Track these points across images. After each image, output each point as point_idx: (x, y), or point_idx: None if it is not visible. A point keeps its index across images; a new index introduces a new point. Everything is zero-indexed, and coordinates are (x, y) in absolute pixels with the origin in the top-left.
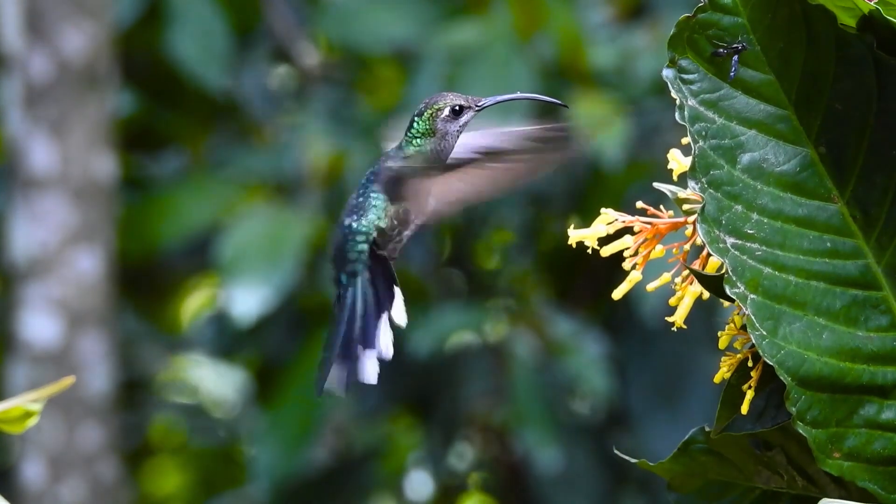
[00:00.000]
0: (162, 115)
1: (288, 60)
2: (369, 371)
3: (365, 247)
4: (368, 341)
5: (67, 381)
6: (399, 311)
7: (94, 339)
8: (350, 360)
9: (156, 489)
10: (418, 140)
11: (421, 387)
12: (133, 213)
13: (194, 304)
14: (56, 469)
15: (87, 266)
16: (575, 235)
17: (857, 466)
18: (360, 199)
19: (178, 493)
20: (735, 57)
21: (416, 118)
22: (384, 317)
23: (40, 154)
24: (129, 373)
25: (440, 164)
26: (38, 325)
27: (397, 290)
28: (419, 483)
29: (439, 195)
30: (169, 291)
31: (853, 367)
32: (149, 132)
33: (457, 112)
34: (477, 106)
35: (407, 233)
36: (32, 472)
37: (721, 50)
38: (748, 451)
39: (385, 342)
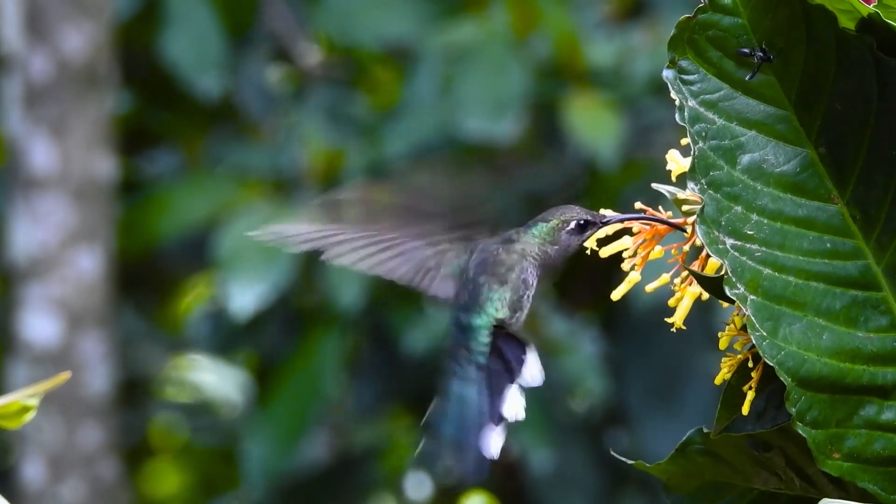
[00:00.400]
0: (156, 114)
1: (286, 59)
2: (493, 447)
3: (487, 339)
4: (494, 417)
5: (64, 376)
6: (532, 372)
7: (93, 339)
8: (468, 447)
9: (155, 489)
10: (538, 239)
11: (417, 386)
12: (130, 210)
13: (191, 301)
14: (56, 469)
15: (87, 266)
16: None
17: (857, 467)
18: (473, 291)
19: (177, 492)
20: (758, 65)
21: (539, 222)
22: (512, 387)
23: (40, 154)
24: (128, 372)
25: (551, 266)
26: (38, 324)
27: (529, 353)
28: (418, 482)
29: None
30: (167, 290)
31: (853, 368)
32: (142, 132)
33: (582, 227)
34: (602, 222)
35: (527, 311)
36: (32, 472)
37: (747, 51)
38: (746, 452)
39: (513, 408)
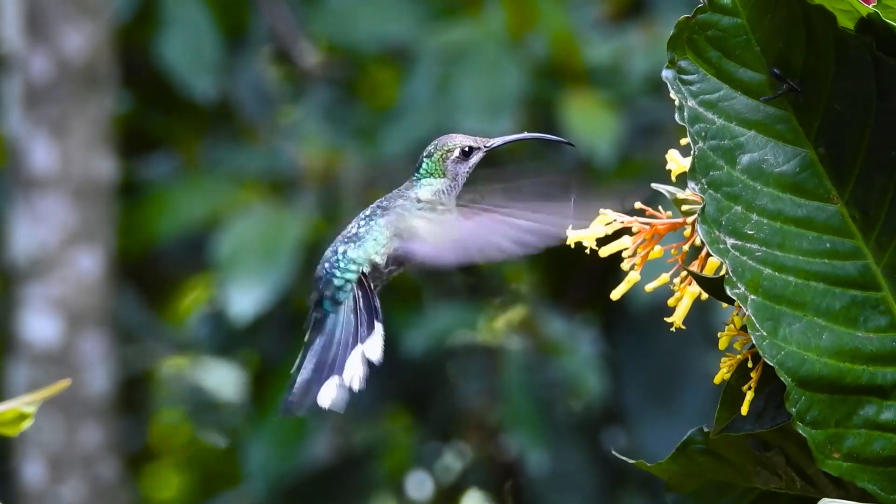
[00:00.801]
0: (153, 116)
1: (284, 60)
2: (328, 396)
3: (354, 276)
4: (337, 368)
5: (63, 383)
6: (375, 347)
7: (93, 339)
8: (316, 385)
9: (156, 489)
10: (428, 180)
11: (415, 386)
12: (129, 211)
13: (191, 302)
14: (56, 469)
15: (87, 266)
16: (573, 236)
17: (857, 467)
18: (361, 230)
19: (177, 492)
20: (783, 93)
21: (424, 159)
22: (358, 348)
23: (40, 154)
24: (129, 372)
25: (451, 206)
26: (38, 325)
27: (378, 325)
28: (418, 482)
29: (452, 242)
30: (166, 291)
31: (853, 368)
32: (140, 133)
33: (466, 153)
34: (486, 147)
35: (398, 272)
36: (32, 472)
37: (778, 73)
38: (747, 452)
39: (353, 373)
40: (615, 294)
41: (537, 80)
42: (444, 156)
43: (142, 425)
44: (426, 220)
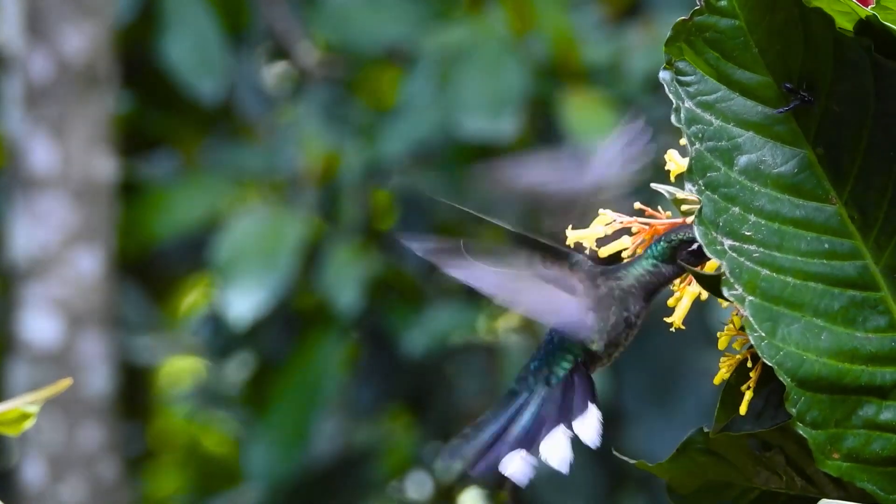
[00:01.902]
0: (153, 116)
1: (284, 60)
2: (510, 467)
3: (569, 366)
4: (529, 442)
5: (64, 383)
6: (588, 428)
7: (94, 339)
8: (490, 453)
9: (156, 489)
10: (649, 261)
11: (415, 386)
12: (129, 210)
13: (191, 303)
14: (56, 469)
15: (87, 266)
16: (573, 235)
17: (856, 467)
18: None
19: (178, 492)
20: (793, 106)
21: (661, 241)
22: (562, 427)
23: (40, 154)
24: (129, 372)
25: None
26: (38, 325)
27: (592, 408)
28: (418, 482)
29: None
30: (167, 291)
31: (852, 368)
32: (140, 133)
33: (699, 254)
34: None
35: (617, 354)
36: (32, 472)
37: (790, 87)
38: (747, 452)
39: (553, 451)
40: None
41: (537, 79)
42: (681, 245)
43: (142, 425)
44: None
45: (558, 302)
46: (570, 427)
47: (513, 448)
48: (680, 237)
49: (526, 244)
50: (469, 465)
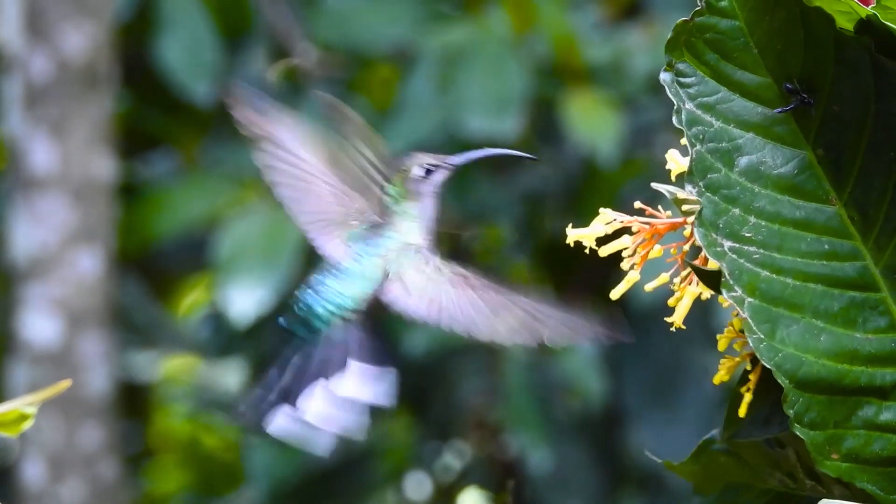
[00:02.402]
0: (153, 116)
1: (284, 59)
2: (278, 423)
3: (335, 310)
4: (295, 398)
5: (64, 384)
6: (347, 384)
7: (94, 339)
8: (272, 408)
9: (157, 489)
10: (399, 207)
11: (415, 385)
12: (128, 210)
13: (191, 303)
14: (56, 469)
15: (87, 266)
16: (573, 235)
17: (856, 468)
18: (352, 265)
19: (178, 492)
20: (793, 107)
21: (389, 185)
22: (324, 383)
23: (40, 154)
24: (130, 371)
25: (445, 268)
26: (38, 325)
27: (351, 363)
28: (418, 482)
29: (431, 302)
30: (167, 290)
31: (851, 369)
32: (139, 134)
33: (429, 171)
34: (447, 164)
35: (375, 307)
36: (32, 472)
37: (791, 87)
38: (763, 452)
39: (316, 408)
40: (615, 294)
41: (538, 79)
42: (404, 177)
43: (142, 424)
44: (419, 272)
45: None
46: (329, 383)
47: (284, 404)
48: (404, 168)
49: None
50: (248, 420)
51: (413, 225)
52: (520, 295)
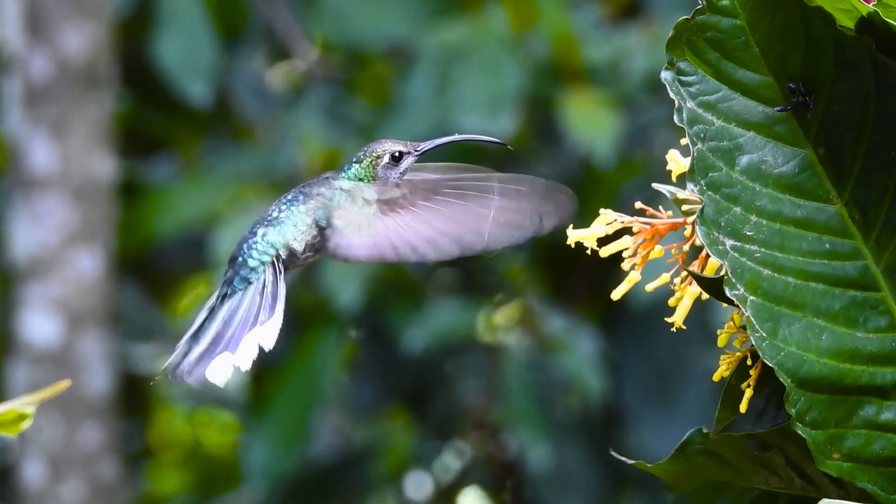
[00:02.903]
0: (153, 116)
1: (284, 58)
2: (217, 372)
3: (268, 259)
4: (231, 346)
5: (63, 384)
6: (269, 334)
7: (93, 339)
8: (208, 357)
9: (156, 489)
10: (356, 182)
11: (415, 384)
12: (128, 210)
13: (190, 302)
14: (56, 469)
15: (87, 266)
16: (574, 235)
17: (857, 467)
18: (281, 214)
19: (178, 492)
20: (793, 107)
21: (353, 164)
22: (255, 330)
23: (40, 154)
24: (130, 371)
25: (372, 200)
26: (38, 325)
27: (278, 312)
28: (418, 481)
29: (367, 236)
30: (166, 290)
31: (852, 368)
32: (139, 134)
33: (396, 158)
34: (416, 151)
35: (313, 259)
36: (32, 472)
37: (793, 87)
38: (746, 452)
39: (245, 354)
40: (616, 294)
41: (537, 78)
42: (374, 161)
43: (142, 423)
44: (345, 210)
45: None
46: (259, 330)
47: (220, 353)
48: (372, 154)
49: None
50: (186, 375)
51: (358, 184)
52: (461, 175)
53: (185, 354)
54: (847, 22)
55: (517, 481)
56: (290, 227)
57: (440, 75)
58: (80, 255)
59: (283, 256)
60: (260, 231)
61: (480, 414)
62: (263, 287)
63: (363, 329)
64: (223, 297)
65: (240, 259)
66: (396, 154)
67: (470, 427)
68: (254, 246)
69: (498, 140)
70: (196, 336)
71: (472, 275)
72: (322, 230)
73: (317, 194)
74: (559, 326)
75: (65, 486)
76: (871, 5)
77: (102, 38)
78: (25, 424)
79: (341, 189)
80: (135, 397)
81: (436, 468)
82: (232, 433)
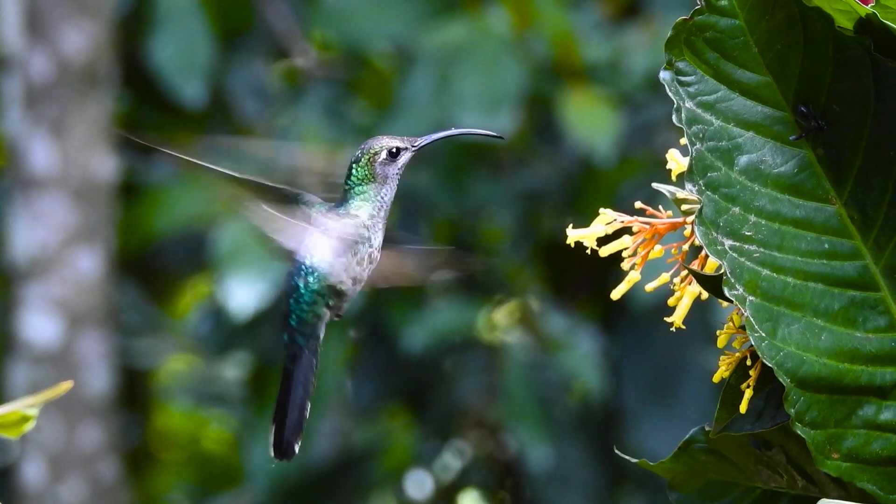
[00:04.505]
0: (152, 116)
1: (283, 58)
2: (291, 453)
3: (321, 309)
4: (303, 418)
5: (65, 386)
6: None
7: (93, 338)
8: (297, 434)
9: (156, 489)
10: (360, 188)
11: (415, 383)
12: (128, 209)
13: (190, 300)
14: (56, 469)
15: (87, 266)
16: (574, 235)
17: (856, 467)
18: (315, 260)
19: (178, 491)
20: (807, 132)
21: (353, 165)
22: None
23: (40, 154)
24: (130, 370)
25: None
26: (38, 325)
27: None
28: (418, 481)
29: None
30: (166, 289)
31: (852, 368)
32: (137, 133)
33: (394, 154)
34: (413, 146)
35: (359, 289)
36: (32, 472)
37: (805, 111)
38: (748, 451)
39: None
40: (616, 294)
41: (537, 77)
42: (371, 159)
43: (143, 424)
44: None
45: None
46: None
47: (301, 427)
48: (368, 152)
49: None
50: (288, 455)
51: (365, 205)
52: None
53: (281, 433)
54: (845, 23)
55: (517, 481)
56: (328, 271)
57: (440, 75)
58: (80, 255)
59: (332, 301)
60: (301, 282)
61: (480, 413)
62: (318, 343)
63: (363, 329)
64: (292, 358)
65: (294, 315)
66: (394, 150)
67: (470, 426)
68: (302, 298)
69: (494, 133)
70: (285, 411)
71: (472, 274)
72: (370, 259)
73: (346, 231)
74: (559, 326)
75: (65, 485)
76: (869, 7)
77: (102, 38)
78: (28, 426)
79: (364, 224)
80: (134, 393)
81: (436, 468)
82: (232, 432)
